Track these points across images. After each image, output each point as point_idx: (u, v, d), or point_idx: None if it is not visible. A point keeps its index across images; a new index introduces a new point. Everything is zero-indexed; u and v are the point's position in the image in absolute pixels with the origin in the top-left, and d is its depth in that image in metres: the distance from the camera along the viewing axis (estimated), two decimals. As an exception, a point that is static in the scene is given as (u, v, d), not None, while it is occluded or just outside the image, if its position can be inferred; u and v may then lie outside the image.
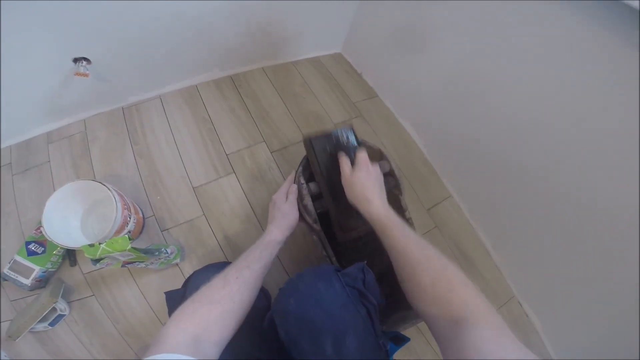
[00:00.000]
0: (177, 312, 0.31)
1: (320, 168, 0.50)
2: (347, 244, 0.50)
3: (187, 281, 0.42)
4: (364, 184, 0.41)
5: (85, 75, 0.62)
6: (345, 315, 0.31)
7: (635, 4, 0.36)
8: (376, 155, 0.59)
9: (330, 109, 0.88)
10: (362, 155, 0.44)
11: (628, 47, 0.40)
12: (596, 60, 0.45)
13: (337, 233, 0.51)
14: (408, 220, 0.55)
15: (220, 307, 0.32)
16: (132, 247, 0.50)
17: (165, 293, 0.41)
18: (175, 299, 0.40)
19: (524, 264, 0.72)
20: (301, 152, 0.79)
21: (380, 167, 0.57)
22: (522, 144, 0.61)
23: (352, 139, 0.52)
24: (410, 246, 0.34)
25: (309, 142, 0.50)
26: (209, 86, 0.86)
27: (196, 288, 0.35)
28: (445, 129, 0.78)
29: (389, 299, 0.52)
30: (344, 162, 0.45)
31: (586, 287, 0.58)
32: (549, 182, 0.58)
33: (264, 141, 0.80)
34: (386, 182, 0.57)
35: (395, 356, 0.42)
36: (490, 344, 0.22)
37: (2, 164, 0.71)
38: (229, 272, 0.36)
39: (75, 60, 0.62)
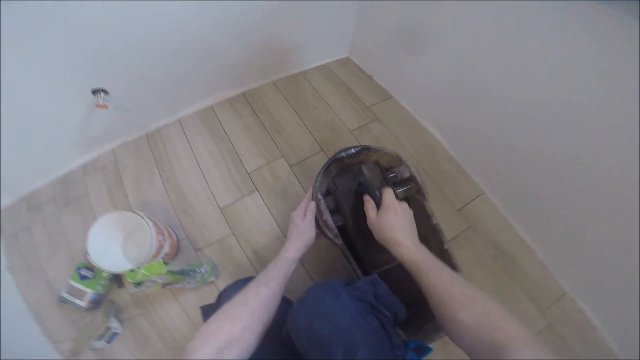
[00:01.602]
0: (202, 329, 0.36)
1: (347, 209, 0.53)
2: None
3: (220, 296, 0.48)
4: (392, 226, 0.44)
5: (105, 106, 0.72)
6: (354, 328, 0.34)
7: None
8: (394, 161, 0.62)
9: (344, 116, 0.95)
10: (388, 197, 0.47)
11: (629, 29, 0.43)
12: (607, 48, 0.48)
13: (368, 267, 0.54)
14: (434, 227, 0.58)
15: (241, 324, 0.37)
16: (167, 271, 0.60)
17: (201, 307, 0.49)
18: (210, 313, 0.46)
19: (573, 257, 0.72)
20: (319, 163, 0.87)
21: (398, 172, 0.61)
22: (551, 127, 0.62)
23: (377, 173, 0.55)
24: (447, 286, 0.37)
25: (332, 183, 0.55)
26: (223, 105, 0.97)
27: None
28: (467, 122, 0.81)
29: (414, 309, 0.55)
30: (369, 206, 0.48)
31: None
32: (588, 162, 0.59)
33: (282, 156, 0.89)
34: (408, 189, 0.61)
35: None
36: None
37: (47, 199, 0.86)
38: (249, 290, 0.42)
39: (94, 92, 0.72)
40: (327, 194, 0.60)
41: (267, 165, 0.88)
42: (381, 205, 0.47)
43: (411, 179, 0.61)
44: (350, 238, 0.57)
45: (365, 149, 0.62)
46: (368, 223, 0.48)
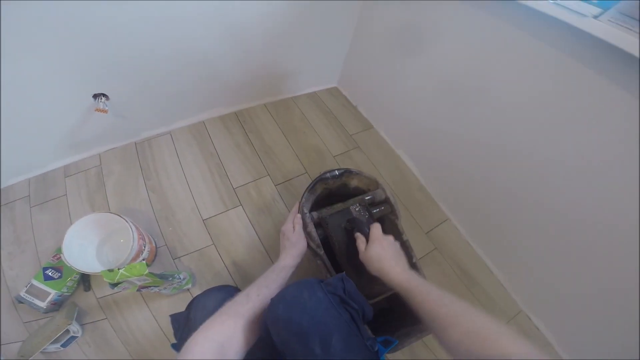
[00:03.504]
0: (207, 323, 0.41)
1: (338, 245, 0.62)
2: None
3: (191, 304, 0.52)
4: (380, 257, 0.52)
5: (105, 111, 0.79)
6: (328, 318, 0.41)
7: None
8: (372, 184, 0.75)
9: (329, 142, 1.09)
10: (375, 231, 0.56)
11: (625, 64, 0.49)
12: (594, 75, 0.54)
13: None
14: (405, 243, 0.70)
15: (244, 320, 0.43)
16: (149, 272, 0.65)
17: (170, 316, 0.52)
18: (179, 321, 0.51)
19: (527, 277, 0.83)
20: (303, 184, 1.00)
21: (376, 195, 0.73)
22: (512, 162, 0.75)
23: (364, 211, 0.66)
24: (435, 306, 0.41)
25: (325, 222, 0.64)
26: (215, 122, 1.07)
27: (201, 309, 0.47)
28: (438, 156, 0.97)
29: (389, 316, 0.67)
30: (360, 242, 0.56)
31: (593, 291, 0.68)
32: (543, 196, 0.70)
33: (268, 175, 0.99)
34: (382, 209, 0.73)
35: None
36: None
37: (20, 197, 0.89)
38: (251, 290, 0.48)
39: (95, 96, 0.79)
40: (312, 209, 0.70)
41: (253, 182, 0.98)
42: (369, 240, 0.56)
43: (386, 201, 0.73)
44: (331, 251, 0.67)
45: (347, 171, 0.75)
46: (360, 257, 0.56)
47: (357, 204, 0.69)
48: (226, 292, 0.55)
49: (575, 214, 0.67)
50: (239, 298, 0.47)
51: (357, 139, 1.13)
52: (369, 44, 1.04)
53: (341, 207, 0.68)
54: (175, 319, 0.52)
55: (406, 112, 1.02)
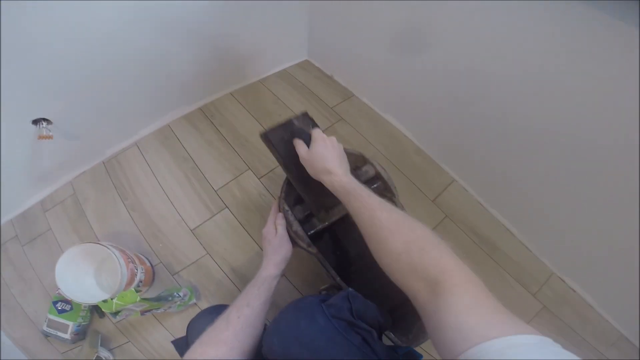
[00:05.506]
0: (187, 355, 0.38)
1: (283, 159, 0.57)
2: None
3: (187, 329, 0.49)
4: (322, 156, 0.48)
5: (49, 137, 0.72)
6: (333, 349, 0.35)
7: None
8: (359, 160, 0.67)
9: (309, 119, 1.02)
10: (317, 132, 0.51)
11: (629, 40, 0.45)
12: (599, 54, 0.50)
13: (317, 216, 0.59)
14: None
15: (226, 347, 0.39)
16: (141, 298, 0.65)
17: (172, 342, 0.52)
18: (181, 346, 0.49)
19: (556, 235, 0.77)
20: (287, 172, 0.94)
21: (364, 172, 0.67)
22: (518, 101, 0.65)
23: (307, 123, 0.59)
24: (376, 212, 0.38)
25: (265, 137, 0.58)
26: (180, 123, 1.00)
27: (196, 334, 0.43)
28: (430, 111, 0.87)
29: (403, 309, 0.60)
30: (299, 144, 0.52)
31: (629, 244, 0.60)
32: (560, 136, 0.61)
33: (249, 169, 0.94)
34: (375, 187, 0.66)
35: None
36: (469, 316, 0.25)
37: (9, 238, 0.88)
38: (231, 313, 0.44)
39: (35, 122, 0.72)
40: (295, 203, 0.64)
41: (234, 180, 0.92)
42: (311, 141, 0.51)
43: (378, 177, 0.66)
44: (325, 245, 0.63)
45: None
46: (300, 160, 0.52)
47: (299, 115, 0.62)
48: (219, 314, 0.51)
49: (597, 149, 0.58)
50: (219, 323, 0.43)
51: (338, 110, 1.04)
52: (331, 4, 0.91)
53: (283, 121, 0.61)
54: (178, 344, 0.50)
55: (386, 72, 0.92)
